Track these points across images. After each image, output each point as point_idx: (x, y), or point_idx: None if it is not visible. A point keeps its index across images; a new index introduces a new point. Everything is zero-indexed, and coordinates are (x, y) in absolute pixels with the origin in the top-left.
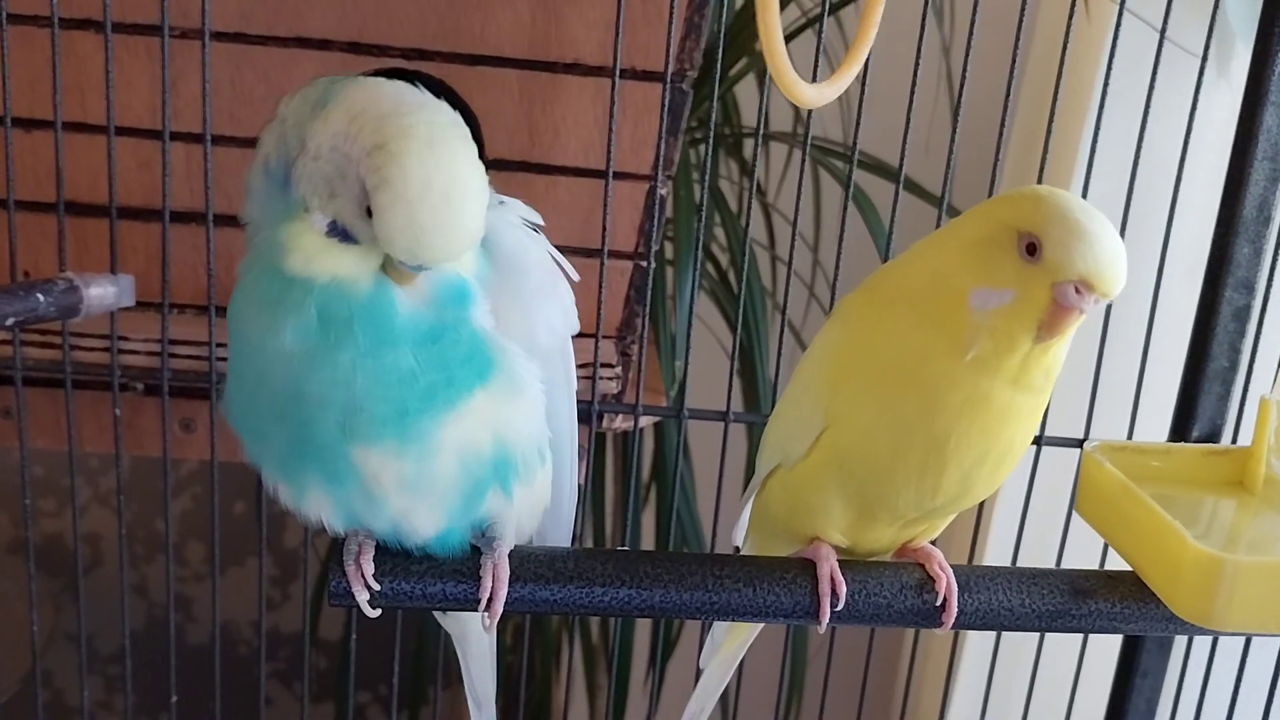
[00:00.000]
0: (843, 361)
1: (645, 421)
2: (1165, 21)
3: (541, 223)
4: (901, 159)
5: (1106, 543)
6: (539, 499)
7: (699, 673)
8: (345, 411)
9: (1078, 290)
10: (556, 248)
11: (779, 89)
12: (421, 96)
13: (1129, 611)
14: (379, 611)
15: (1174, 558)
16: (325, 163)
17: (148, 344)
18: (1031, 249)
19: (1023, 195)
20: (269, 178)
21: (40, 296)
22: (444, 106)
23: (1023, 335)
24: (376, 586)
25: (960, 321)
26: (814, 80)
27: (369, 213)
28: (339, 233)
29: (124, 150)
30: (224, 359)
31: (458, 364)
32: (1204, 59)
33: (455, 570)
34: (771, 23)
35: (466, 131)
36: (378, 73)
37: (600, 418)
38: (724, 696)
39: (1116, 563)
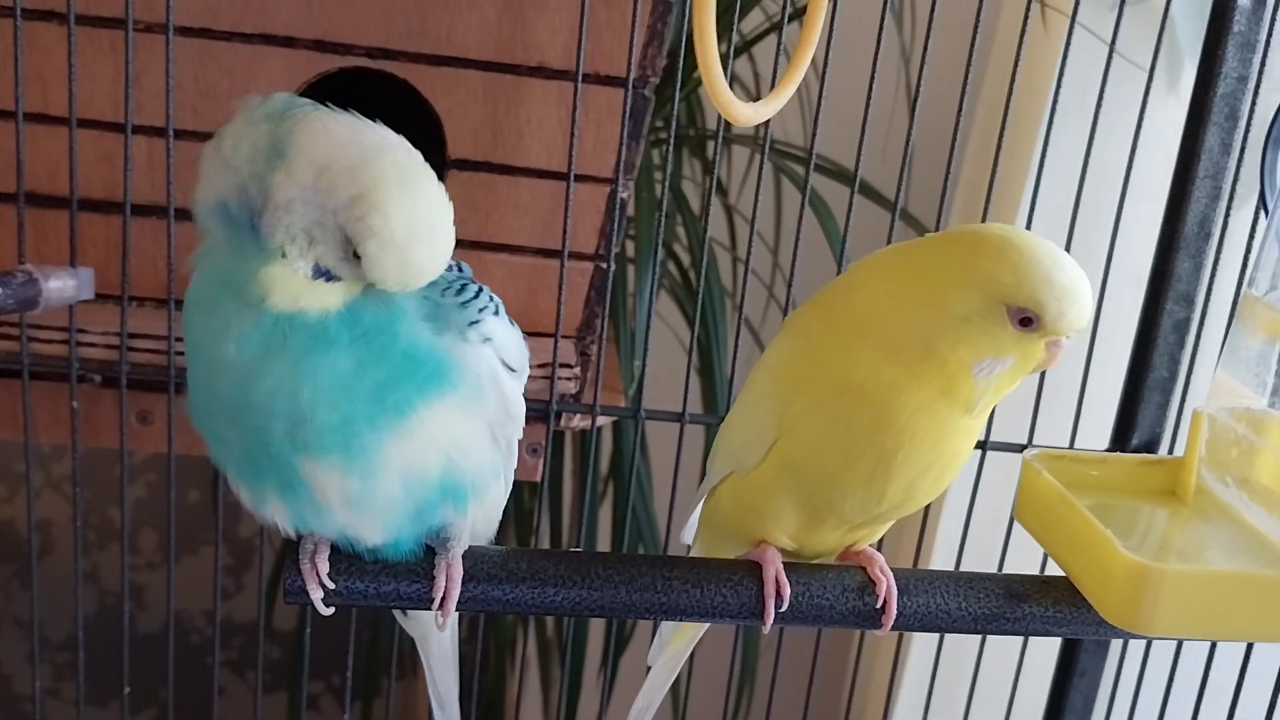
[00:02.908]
0: (797, 374)
1: (603, 420)
2: (1115, 35)
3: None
4: (857, 164)
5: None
6: (494, 507)
7: (650, 669)
8: (292, 421)
9: (1068, 335)
10: (517, 249)
11: (716, 108)
12: (378, 134)
13: (1062, 616)
14: (333, 610)
15: (1105, 565)
16: (299, 215)
17: (106, 337)
18: (1026, 322)
19: (999, 262)
20: (230, 220)
21: None
22: (398, 139)
23: (1020, 379)
24: (331, 585)
25: (968, 387)
26: (773, 87)
27: (355, 255)
28: (323, 274)
29: (85, 142)
30: (183, 353)
31: (401, 365)
32: (1151, 74)
33: (409, 570)
34: (707, 44)
35: (420, 156)
36: (340, 72)
37: (559, 417)
38: (675, 691)
39: (1056, 566)
